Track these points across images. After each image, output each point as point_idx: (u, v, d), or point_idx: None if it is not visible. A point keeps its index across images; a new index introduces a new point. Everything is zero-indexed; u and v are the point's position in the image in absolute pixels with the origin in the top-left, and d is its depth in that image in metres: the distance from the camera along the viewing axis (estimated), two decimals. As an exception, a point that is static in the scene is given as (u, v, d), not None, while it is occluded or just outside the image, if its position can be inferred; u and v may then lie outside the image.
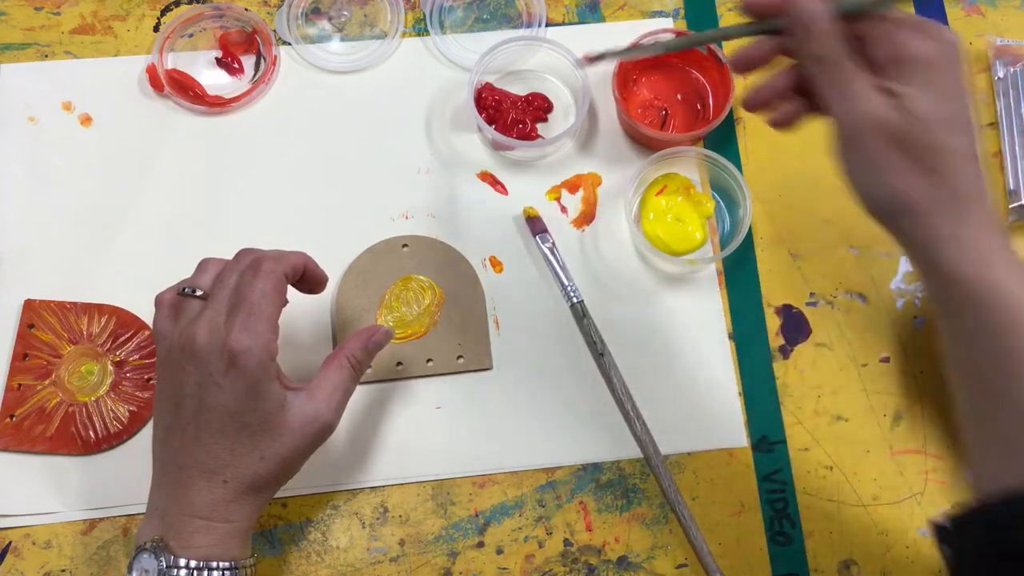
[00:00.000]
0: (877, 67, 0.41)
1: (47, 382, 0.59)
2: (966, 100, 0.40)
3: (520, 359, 0.61)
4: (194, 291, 0.50)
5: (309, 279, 0.53)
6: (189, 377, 0.47)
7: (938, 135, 0.39)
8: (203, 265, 0.52)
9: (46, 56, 0.67)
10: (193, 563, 0.46)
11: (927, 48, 0.40)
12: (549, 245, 0.62)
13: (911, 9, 0.69)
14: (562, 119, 0.66)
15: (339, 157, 0.65)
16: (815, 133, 0.66)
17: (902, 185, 0.40)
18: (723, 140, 0.66)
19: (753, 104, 0.45)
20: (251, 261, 0.50)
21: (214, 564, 0.46)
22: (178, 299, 0.51)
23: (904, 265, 0.63)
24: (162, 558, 0.45)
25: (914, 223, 0.41)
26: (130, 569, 0.46)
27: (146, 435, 0.58)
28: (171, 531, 0.47)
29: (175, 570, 0.45)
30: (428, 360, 0.61)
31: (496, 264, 0.63)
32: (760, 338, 0.62)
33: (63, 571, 0.57)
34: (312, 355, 0.60)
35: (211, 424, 0.47)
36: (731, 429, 0.60)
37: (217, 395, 0.47)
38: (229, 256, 0.52)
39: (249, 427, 0.47)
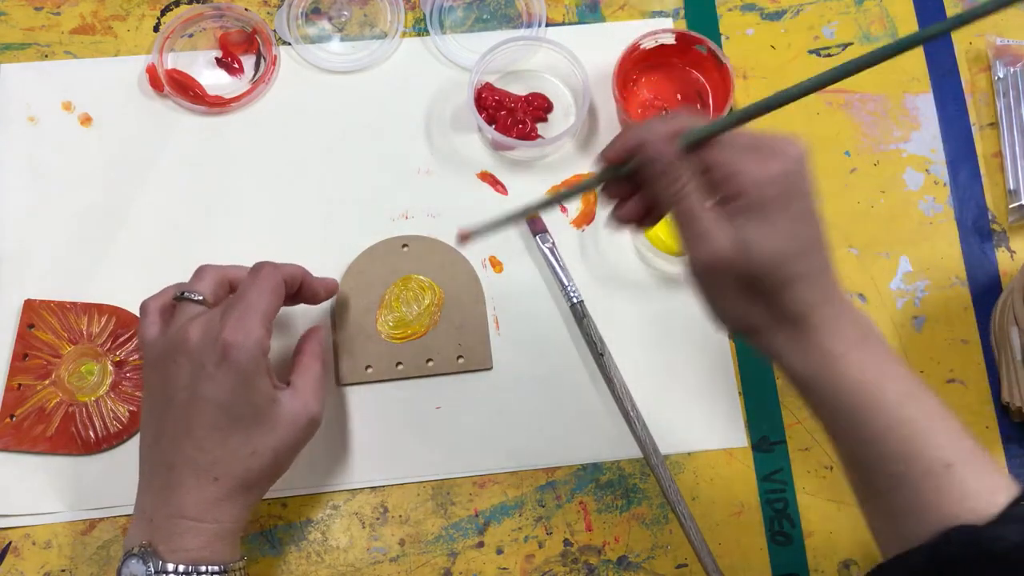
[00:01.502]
0: (724, 199, 0.41)
1: (47, 382, 0.59)
2: (804, 221, 0.41)
3: (520, 359, 0.61)
4: (193, 295, 0.51)
5: (305, 293, 0.55)
6: (182, 370, 0.48)
7: (773, 272, 0.41)
8: (201, 272, 0.53)
9: (46, 56, 0.67)
10: (181, 567, 0.46)
11: (760, 183, 0.39)
12: (549, 245, 0.62)
13: (910, 7, 0.69)
14: (562, 119, 0.66)
15: (339, 157, 0.65)
16: (815, 133, 0.67)
17: (745, 312, 0.43)
18: (723, 140, 0.66)
19: (625, 219, 0.46)
20: (252, 267, 0.51)
21: (203, 568, 0.46)
22: (166, 306, 0.52)
23: (904, 265, 0.63)
24: (150, 563, 0.45)
25: (758, 339, 0.44)
26: (119, 573, 0.46)
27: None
28: (159, 534, 0.47)
29: (163, 575, 0.45)
30: (428, 360, 0.61)
31: (496, 264, 0.63)
32: (760, 338, 0.62)
33: (63, 571, 0.57)
34: (312, 355, 0.61)
35: (203, 417, 0.47)
36: (731, 429, 0.60)
37: (210, 387, 0.47)
38: (229, 259, 0.52)
39: (242, 420, 0.48)
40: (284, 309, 0.51)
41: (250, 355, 0.47)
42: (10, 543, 0.57)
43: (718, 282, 0.42)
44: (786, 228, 0.40)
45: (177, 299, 0.52)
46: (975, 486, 0.42)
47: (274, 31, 0.67)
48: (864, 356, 0.42)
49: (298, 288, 0.54)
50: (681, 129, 0.41)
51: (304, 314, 0.61)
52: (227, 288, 0.54)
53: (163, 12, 0.68)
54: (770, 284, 0.41)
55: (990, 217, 0.65)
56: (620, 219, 0.45)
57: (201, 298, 0.51)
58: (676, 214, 0.41)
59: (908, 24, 0.69)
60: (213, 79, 0.67)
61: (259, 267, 0.51)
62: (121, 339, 0.60)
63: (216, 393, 0.47)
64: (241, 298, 0.49)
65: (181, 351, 0.48)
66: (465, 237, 0.51)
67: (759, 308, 0.42)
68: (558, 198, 0.48)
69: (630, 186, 0.44)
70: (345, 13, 0.69)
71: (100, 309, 0.61)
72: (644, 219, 0.45)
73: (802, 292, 0.41)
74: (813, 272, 0.41)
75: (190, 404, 0.47)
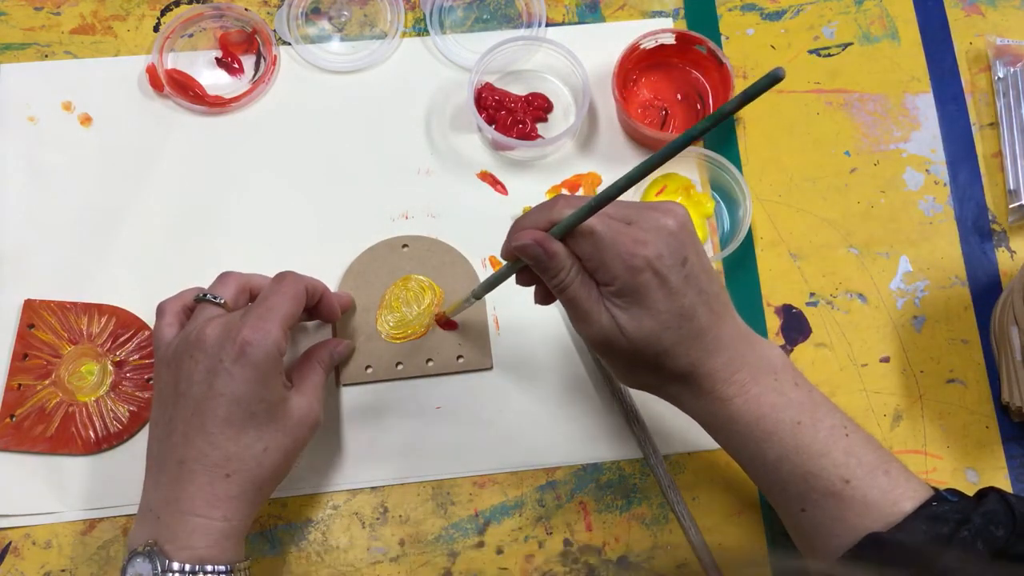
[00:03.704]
0: (600, 283, 0.44)
1: (47, 382, 0.59)
2: (676, 295, 0.44)
3: (520, 359, 0.61)
4: (215, 298, 0.52)
5: (323, 308, 0.56)
6: (198, 365, 0.48)
7: (647, 348, 0.45)
8: (224, 278, 0.54)
9: (46, 56, 0.67)
10: (188, 566, 0.46)
11: (628, 271, 0.43)
12: (549, 245, 0.62)
13: (910, 7, 0.69)
14: (562, 119, 0.66)
15: (339, 157, 0.65)
16: (815, 133, 0.67)
17: (636, 376, 0.48)
18: (723, 140, 0.66)
19: (541, 302, 0.50)
20: (276, 275, 0.53)
21: (209, 567, 0.46)
22: (184, 308, 0.53)
23: (904, 265, 0.63)
24: (156, 562, 0.45)
25: (655, 392, 0.49)
26: (123, 572, 0.46)
27: (147, 435, 0.58)
28: (166, 532, 0.47)
29: (169, 574, 0.45)
30: (428, 360, 0.61)
31: (496, 264, 0.63)
32: (760, 338, 0.62)
33: (63, 571, 0.57)
34: (312, 355, 0.61)
35: (217, 412, 0.47)
36: (731, 429, 0.60)
37: (226, 381, 0.47)
38: (228, 258, 0.52)
39: (255, 417, 0.48)
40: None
41: (267, 353, 0.48)
42: (10, 543, 0.57)
43: (607, 355, 0.47)
44: (657, 308, 0.43)
45: (197, 300, 0.52)
46: (877, 498, 0.45)
47: (274, 31, 0.67)
48: (760, 391, 0.46)
49: (317, 301, 0.55)
50: (555, 220, 0.44)
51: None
52: (247, 295, 0.54)
53: (163, 12, 0.68)
54: (647, 356, 0.45)
55: (990, 217, 0.65)
56: (538, 302, 0.50)
57: (222, 301, 0.52)
58: (561, 300, 0.46)
59: (908, 24, 0.69)
60: (213, 79, 0.67)
61: (283, 275, 0.52)
62: (121, 339, 0.60)
63: (232, 388, 0.47)
64: (263, 301, 0.50)
65: (197, 347, 0.48)
66: (440, 319, 0.60)
67: (647, 372, 0.47)
68: (491, 283, 0.52)
69: (539, 286, 0.48)
70: (345, 13, 0.69)
71: (100, 309, 0.61)
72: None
73: (681, 356, 0.45)
74: (689, 336, 0.45)
75: (204, 399, 0.48)
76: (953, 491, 0.46)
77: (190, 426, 0.48)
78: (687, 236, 0.44)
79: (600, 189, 0.65)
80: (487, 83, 0.65)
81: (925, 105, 0.67)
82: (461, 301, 0.57)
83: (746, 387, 0.46)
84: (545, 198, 0.64)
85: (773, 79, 0.33)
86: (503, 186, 0.65)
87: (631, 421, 0.59)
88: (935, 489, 0.46)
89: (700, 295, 0.45)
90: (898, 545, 0.43)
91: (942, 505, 0.44)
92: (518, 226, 0.45)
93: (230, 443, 0.48)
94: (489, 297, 0.62)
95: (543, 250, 0.43)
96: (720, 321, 0.46)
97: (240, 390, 0.47)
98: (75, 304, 0.61)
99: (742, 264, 0.63)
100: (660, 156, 0.40)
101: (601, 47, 0.66)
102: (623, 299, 0.44)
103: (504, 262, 0.48)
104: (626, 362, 0.47)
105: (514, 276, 0.49)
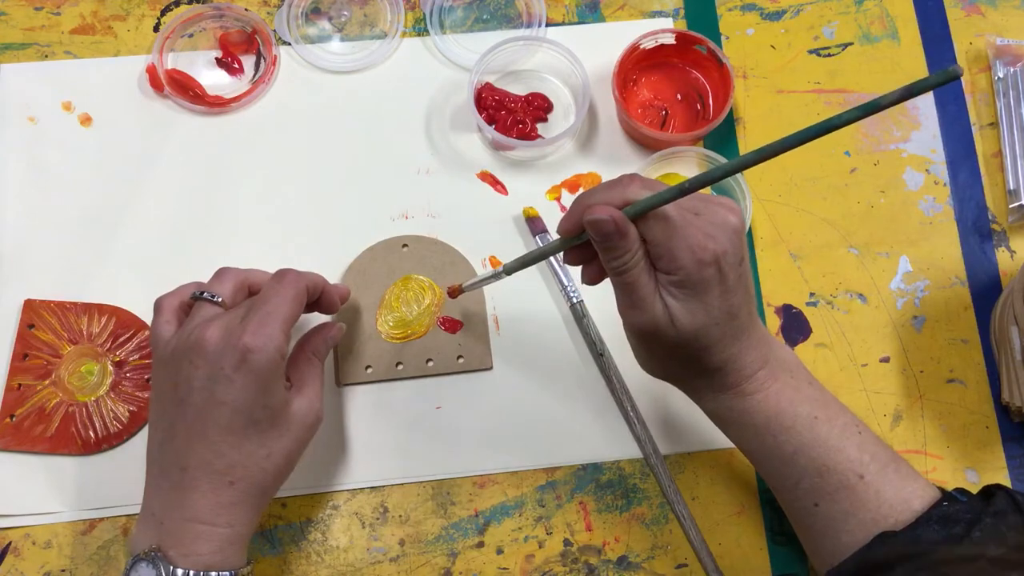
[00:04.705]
0: (661, 270, 0.44)
1: (47, 382, 0.59)
2: (730, 293, 0.44)
3: (520, 359, 0.61)
4: (213, 296, 0.51)
5: (324, 302, 0.55)
6: (198, 371, 0.47)
7: (695, 341, 0.45)
8: (221, 274, 0.53)
9: (46, 56, 0.67)
10: (192, 573, 0.45)
11: (695, 264, 0.43)
12: (549, 245, 0.62)
13: (910, 7, 0.69)
14: (562, 119, 0.66)
15: (339, 157, 0.65)
16: (815, 133, 0.66)
17: (668, 368, 0.49)
18: (723, 140, 0.66)
19: (589, 282, 0.50)
20: (276, 272, 0.52)
21: (213, 574, 0.46)
22: (182, 305, 0.52)
23: (904, 265, 0.63)
24: (160, 567, 0.45)
25: (679, 385, 0.50)
26: None
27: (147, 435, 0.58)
28: (169, 538, 0.46)
29: None
30: (428, 360, 0.61)
31: (496, 264, 0.63)
32: (760, 338, 0.62)
33: (63, 571, 0.57)
34: (312, 355, 0.60)
35: (219, 420, 0.47)
36: (731, 429, 0.60)
37: (228, 389, 0.47)
38: (228, 259, 0.52)
39: (258, 424, 0.48)
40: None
41: (269, 359, 0.47)
42: (10, 543, 0.57)
43: (646, 343, 0.47)
44: (712, 303, 0.44)
45: (195, 298, 0.52)
46: (890, 494, 0.45)
47: (274, 31, 0.67)
48: (779, 387, 0.47)
49: (318, 297, 0.55)
50: (629, 199, 0.43)
51: (305, 315, 0.61)
52: (245, 292, 0.53)
53: (163, 12, 0.68)
54: (690, 350, 0.45)
55: (990, 217, 0.65)
56: (587, 282, 0.49)
57: (220, 299, 0.51)
58: (616, 283, 0.45)
59: (908, 24, 0.69)
60: (213, 79, 0.67)
61: (283, 273, 0.51)
62: (121, 339, 0.60)
63: (233, 396, 0.47)
64: (264, 303, 0.49)
65: (197, 352, 0.47)
66: (455, 292, 0.57)
67: (680, 364, 0.47)
68: (530, 260, 0.51)
69: (590, 250, 0.47)
70: (345, 13, 0.69)
71: (100, 309, 0.61)
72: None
73: (720, 352, 0.46)
74: (731, 334, 0.46)
75: (205, 406, 0.47)
76: (962, 490, 0.47)
77: (191, 433, 0.47)
78: (744, 235, 0.45)
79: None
80: (487, 83, 0.65)
81: (925, 105, 0.67)
82: (487, 275, 0.55)
83: (766, 383, 0.47)
84: (545, 198, 0.64)
85: (950, 76, 0.32)
86: (503, 186, 0.65)
87: (631, 421, 0.59)
88: (942, 489, 0.46)
89: (746, 295, 0.45)
90: (911, 544, 0.43)
91: (953, 505, 0.44)
92: (586, 201, 0.44)
93: (233, 451, 0.47)
94: (489, 297, 0.62)
95: (617, 228, 0.42)
96: (753, 321, 0.47)
97: (242, 397, 0.47)
98: (75, 304, 0.61)
99: (742, 264, 0.63)
100: (794, 139, 0.39)
101: (601, 47, 0.66)
102: (683, 290, 0.43)
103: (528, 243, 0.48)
104: (665, 352, 0.47)
105: (545, 256, 0.48)
